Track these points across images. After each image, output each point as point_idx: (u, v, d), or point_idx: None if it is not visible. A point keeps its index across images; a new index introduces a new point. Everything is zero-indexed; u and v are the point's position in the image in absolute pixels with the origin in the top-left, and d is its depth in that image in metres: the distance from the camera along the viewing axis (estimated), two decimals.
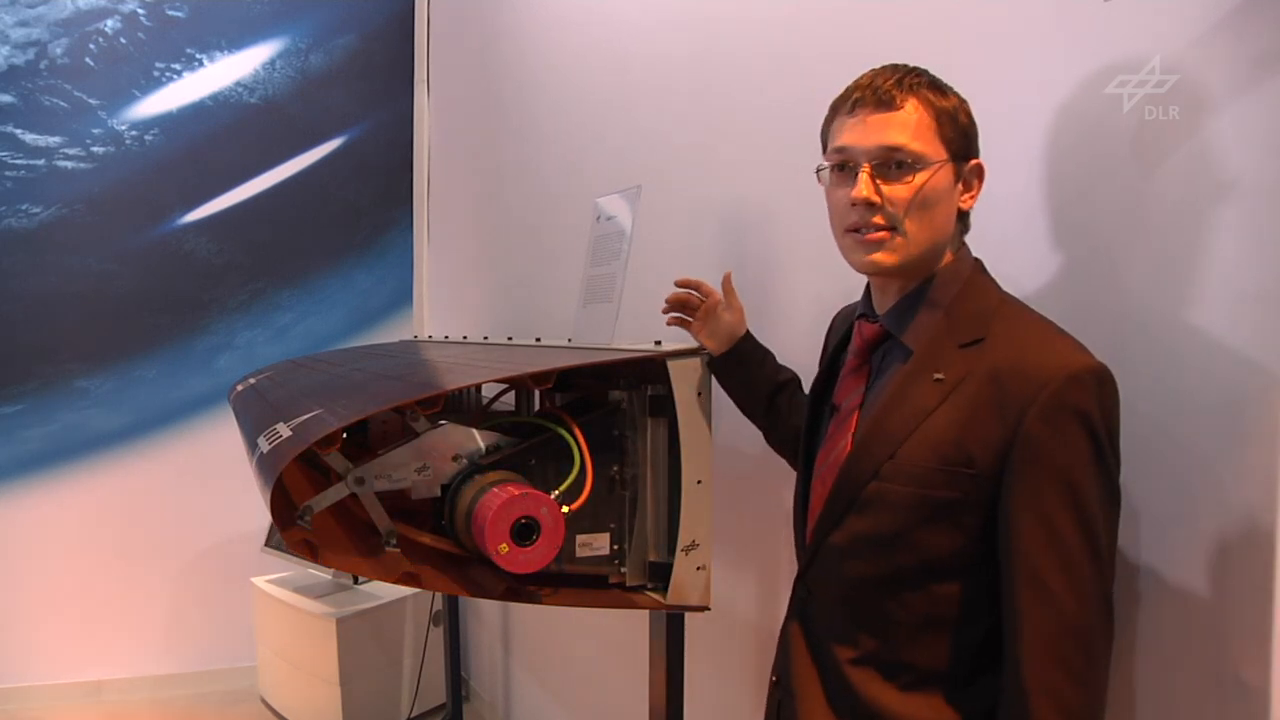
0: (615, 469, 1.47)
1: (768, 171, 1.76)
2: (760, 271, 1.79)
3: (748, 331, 1.52)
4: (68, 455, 3.81)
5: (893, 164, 1.05)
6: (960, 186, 1.09)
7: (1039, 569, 0.97)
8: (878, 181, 1.06)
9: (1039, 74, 1.22)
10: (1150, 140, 1.08)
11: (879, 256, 1.08)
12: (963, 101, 1.09)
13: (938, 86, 1.08)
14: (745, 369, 1.50)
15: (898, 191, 1.05)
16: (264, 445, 1.47)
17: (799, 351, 1.64)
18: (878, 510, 1.06)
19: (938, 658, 1.06)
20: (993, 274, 1.13)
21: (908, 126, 1.05)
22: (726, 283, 1.54)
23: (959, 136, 1.07)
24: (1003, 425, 0.98)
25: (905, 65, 1.09)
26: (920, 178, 1.05)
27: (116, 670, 3.82)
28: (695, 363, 1.47)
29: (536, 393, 1.66)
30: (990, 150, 1.25)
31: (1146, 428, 1.08)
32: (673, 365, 1.45)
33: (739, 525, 1.82)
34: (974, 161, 1.10)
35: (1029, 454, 0.97)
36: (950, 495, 1.01)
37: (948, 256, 1.11)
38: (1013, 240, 1.26)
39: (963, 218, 1.12)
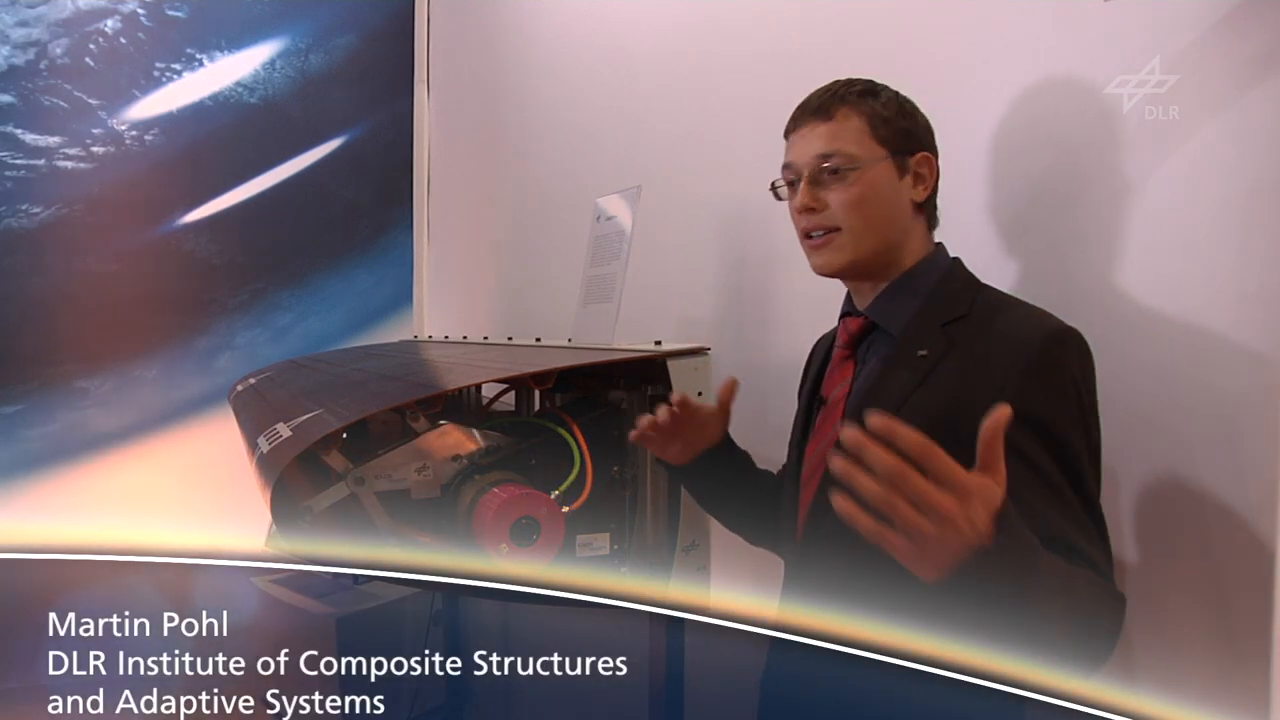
0: (615, 469, 1.47)
1: (768, 171, 1.75)
2: (760, 271, 1.79)
3: (726, 437, 1.39)
4: (68, 455, 3.80)
5: (826, 171, 1.13)
6: (909, 180, 1.13)
7: (1033, 510, 0.97)
8: (817, 188, 1.14)
9: (1039, 74, 1.22)
10: (1150, 140, 1.08)
11: (829, 257, 1.15)
12: (902, 102, 1.15)
13: (871, 92, 1.14)
14: (720, 473, 1.38)
15: (834, 195, 1.13)
16: (264, 445, 1.47)
17: (800, 351, 1.64)
18: None
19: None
20: (992, 272, 1.14)
21: (839, 134, 1.14)
22: (727, 394, 1.34)
23: (896, 134, 1.13)
24: (988, 390, 1.00)
25: (843, 79, 1.16)
26: (853, 177, 1.12)
27: None
28: (695, 363, 1.47)
29: (536, 393, 1.66)
30: (990, 150, 1.25)
31: (1146, 427, 1.08)
32: (673, 365, 1.45)
33: None
34: (919, 155, 1.14)
35: (1015, 411, 0.97)
36: None
37: (920, 251, 1.15)
38: (1012, 239, 1.26)
39: (923, 210, 1.15)
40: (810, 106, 1.16)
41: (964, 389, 1.02)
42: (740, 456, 1.42)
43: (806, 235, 1.17)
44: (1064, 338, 1.02)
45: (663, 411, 1.31)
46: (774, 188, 1.21)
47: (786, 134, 1.20)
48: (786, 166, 1.19)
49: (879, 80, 1.16)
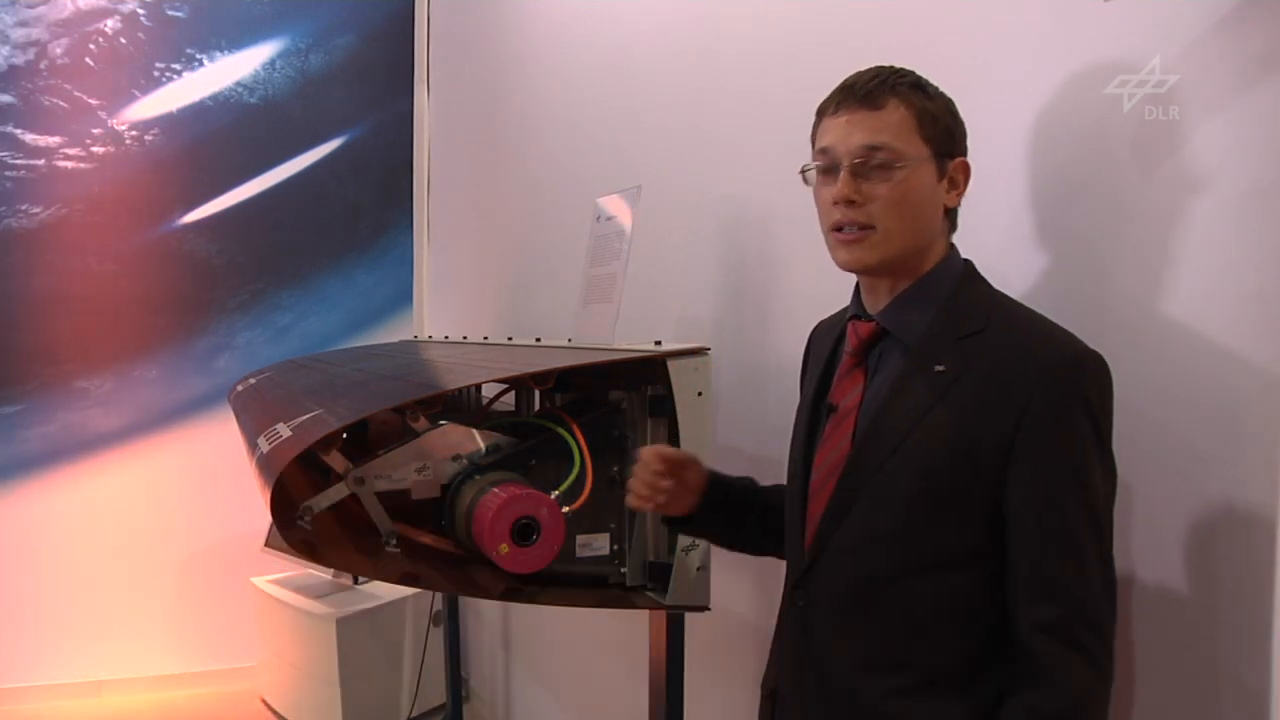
0: (615, 469, 1.47)
1: (768, 171, 1.76)
2: (760, 272, 1.79)
3: (711, 473, 1.34)
4: (68, 455, 3.80)
5: (873, 162, 1.06)
6: (945, 184, 1.10)
7: (1048, 558, 0.98)
8: (859, 180, 1.07)
9: (1039, 74, 1.22)
10: (1150, 140, 1.08)
11: (861, 254, 1.09)
12: (949, 101, 1.10)
13: (920, 86, 1.09)
14: (728, 505, 1.35)
15: (878, 189, 1.06)
16: (264, 445, 1.48)
17: (799, 351, 1.64)
18: (885, 506, 1.07)
19: (944, 654, 1.05)
20: (993, 273, 1.13)
21: (889, 125, 1.06)
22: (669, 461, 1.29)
23: (942, 135, 1.08)
24: (1007, 414, 1.00)
25: (890, 66, 1.10)
26: (900, 175, 1.06)
27: (117, 670, 3.82)
28: (695, 362, 1.46)
29: (536, 393, 1.66)
30: (990, 150, 1.25)
31: (1146, 428, 1.08)
32: (673, 365, 1.44)
33: None
34: (958, 160, 1.10)
35: (1034, 442, 0.98)
36: (958, 486, 1.02)
37: (938, 255, 1.12)
38: (1013, 240, 1.26)
39: (949, 215, 1.13)
40: (856, 92, 1.08)
41: (982, 412, 1.01)
42: (740, 484, 1.38)
43: (837, 228, 1.10)
44: (1084, 363, 0.99)
45: (650, 472, 1.26)
46: (804, 172, 1.14)
47: (821, 113, 1.13)
48: (823, 151, 1.10)
49: None
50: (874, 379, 1.14)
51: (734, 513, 1.36)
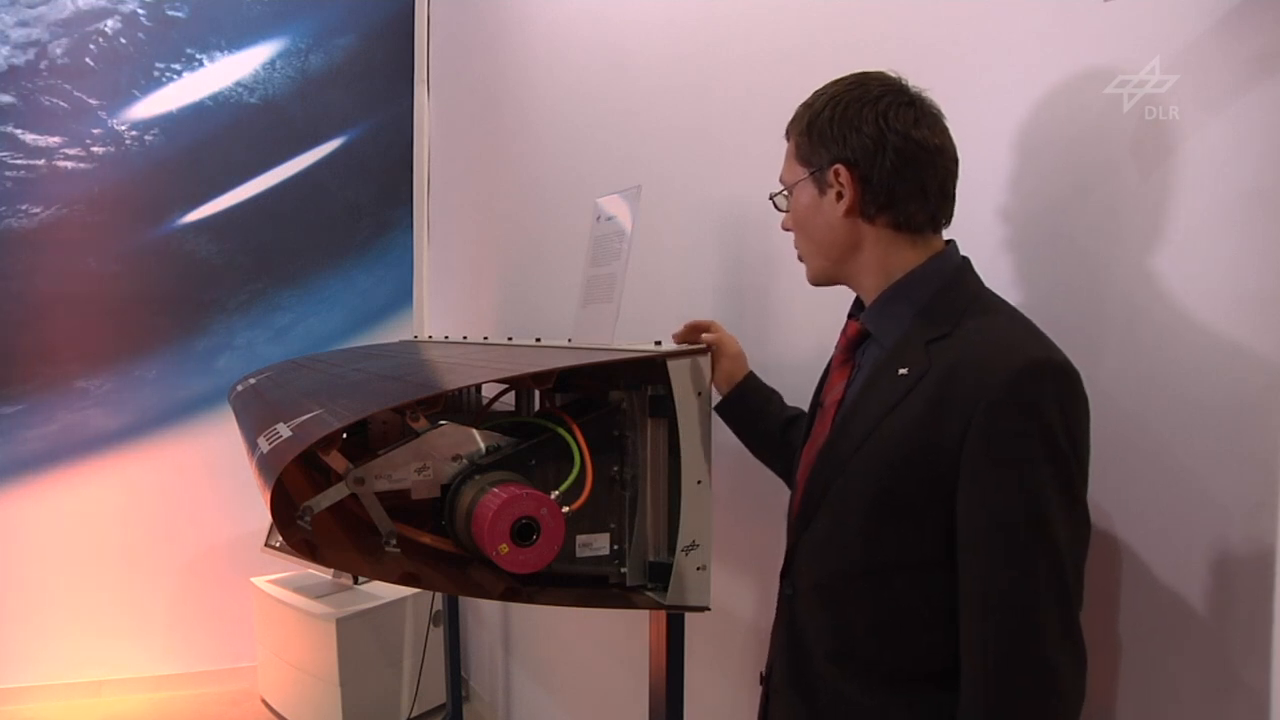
0: (615, 469, 1.47)
1: (768, 171, 1.75)
2: (760, 272, 1.79)
3: (750, 373, 1.53)
4: (68, 455, 3.81)
5: (776, 197, 1.21)
6: (832, 196, 1.11)
7: (989, 580, 0.95)
8: (783, 213, 1.22)
9: (1039, 74, 1.22)
10: (1150, 140, 1.08)
11: (805, 273, 1.22)
12: (825, 110, 1.11)
13: (807, 107, 1.14)
14: (747, 409, 1.50)
15: (788, 220, 1.21)
16: (264, 445, 1.47)
17: (799, 352, 1.64)
18: (843, 507, 1.07)
19: (907, 656, 1.05)
20: (991, 275, 1.13)
21: (785, 161, 1.19)
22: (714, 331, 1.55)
23: (814, 151, 1.13)
24: (956, 423, 0.96)
25: (816, 92, 1.15)
26: (788, 204, 1.19)
27: (116, 670, 3.82)
28: (695, 362, 1.46)
29: (536, 393, 1.66)
30: (990, 151, 1.25)
31: (1146, 429, 1.08)
32: (673, 365, 1.44)
33: (739, 525, 1.82)
34: (832, 168, 1.10)
35: (980, 452, 0.95)
36: (911, 494, 1.01)
37: (914, 257, 1.11)
38: (1011, 240, 1.26)
39: (876, 218, 1.10)
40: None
41: (933, 420, 0.98)
42: (769, 391, 1.51)
43: None
44: (1039, 371, 0.94)
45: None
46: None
47: None
48: None
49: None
50: (856, 376, 1.15)
51: (750, 419, 1.51)
